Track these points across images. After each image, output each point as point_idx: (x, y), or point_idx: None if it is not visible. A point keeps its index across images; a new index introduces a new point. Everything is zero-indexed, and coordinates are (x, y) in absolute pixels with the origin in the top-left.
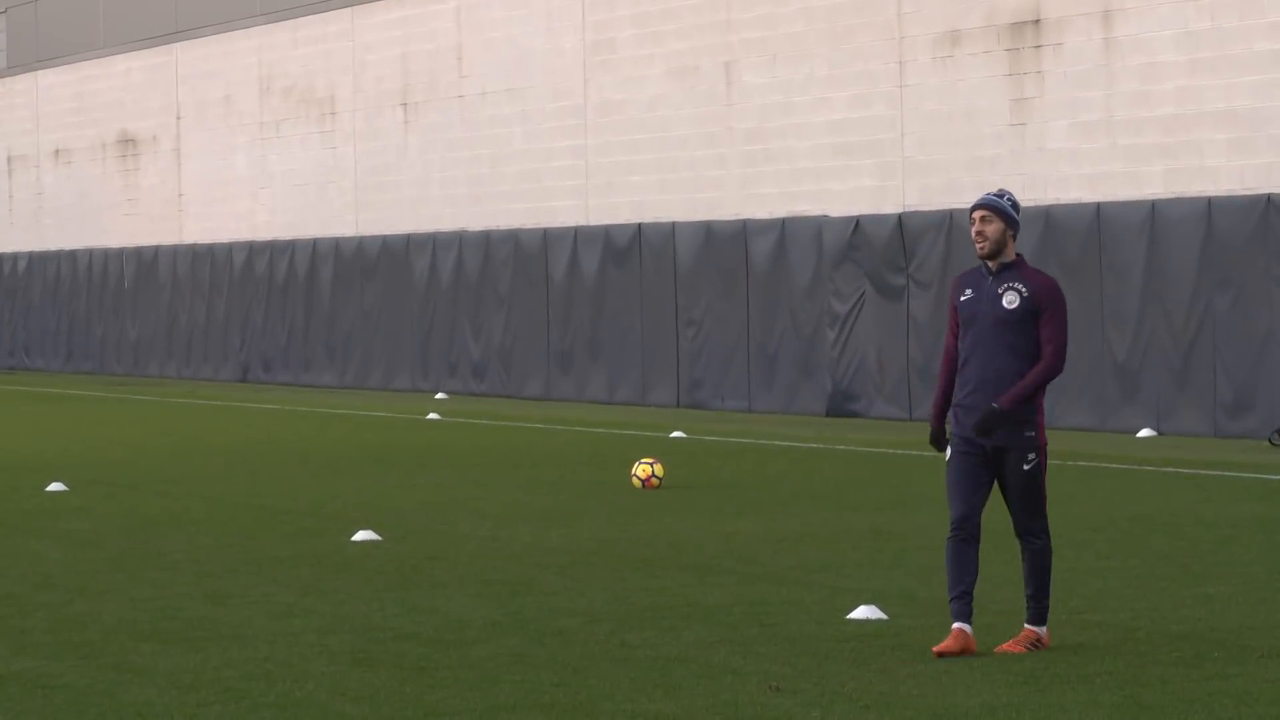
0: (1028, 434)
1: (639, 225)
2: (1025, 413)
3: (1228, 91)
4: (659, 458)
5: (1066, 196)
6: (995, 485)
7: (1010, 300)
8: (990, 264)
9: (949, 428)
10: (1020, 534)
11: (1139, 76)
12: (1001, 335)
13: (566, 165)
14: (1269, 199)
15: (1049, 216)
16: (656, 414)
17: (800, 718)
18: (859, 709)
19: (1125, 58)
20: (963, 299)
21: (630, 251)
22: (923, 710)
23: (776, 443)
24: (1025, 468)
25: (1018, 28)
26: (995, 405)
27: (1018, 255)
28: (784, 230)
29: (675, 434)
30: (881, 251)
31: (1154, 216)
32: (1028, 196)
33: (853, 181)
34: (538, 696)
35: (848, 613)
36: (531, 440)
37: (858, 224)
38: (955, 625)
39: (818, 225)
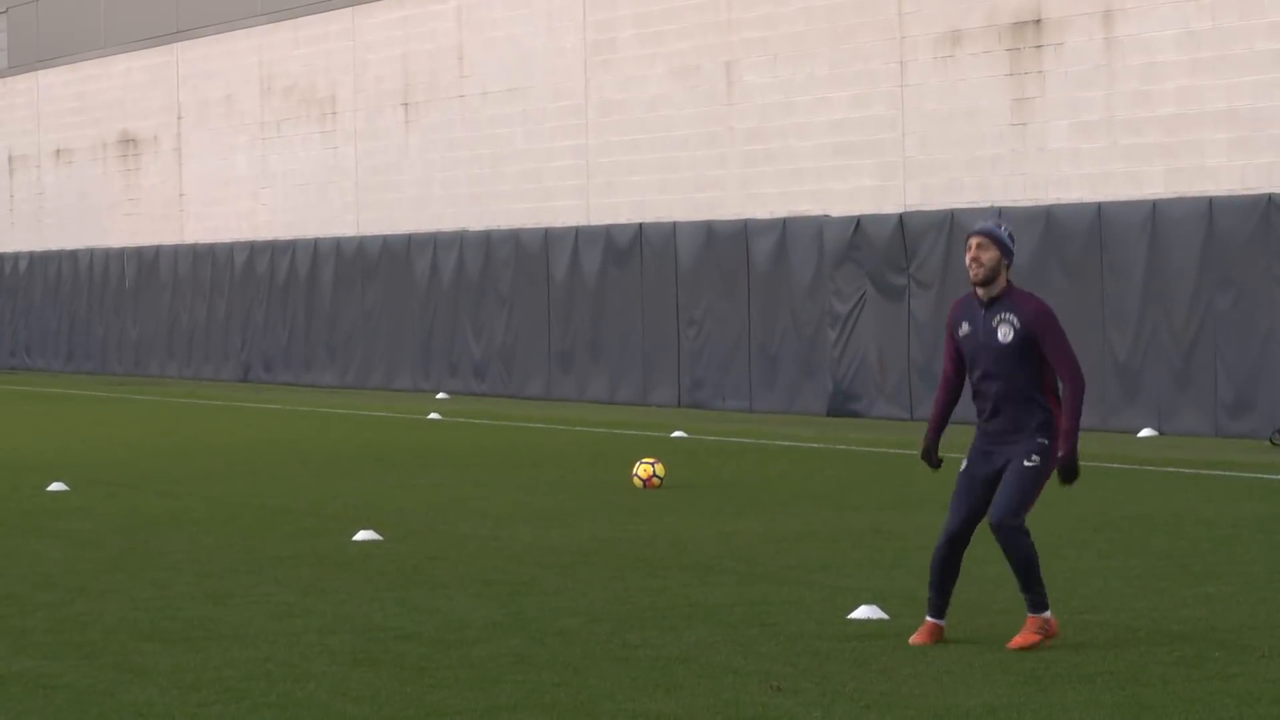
0: (1040, 440)
1: (640, 225)
2: (1038, 421)
3: (1229, 91)
4: (660, 458)
5: (1067, 196)
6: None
7: (1004, 334)
8: (980, 293)
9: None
10: (994, 524)
11: (1140, 76)
12: (1004, 364)
13: (567, 165)
14: (1270, 199)
15: (1050, 216)
16: (657, 414)
17: (801, 717)
18: (860, 709)
19: (1126, 57)
20: (962, 334)
21: (631, 251)
22: (924, 710)
23: (777, 442)
24: (1025, 464)
25: (1019, 27)
26: (1060, 454)
27: (1008, 283)
28: (785, 230)
29: (676, 434)
30: (882, 251)
31: (1155, 216)
32: (1028, 196)
33: (853, 181)
34: (539, 696)
35: (849, 612)
36: (532, 440)
37: (859, 224)
38: (929, 620)
39: (819, 225)
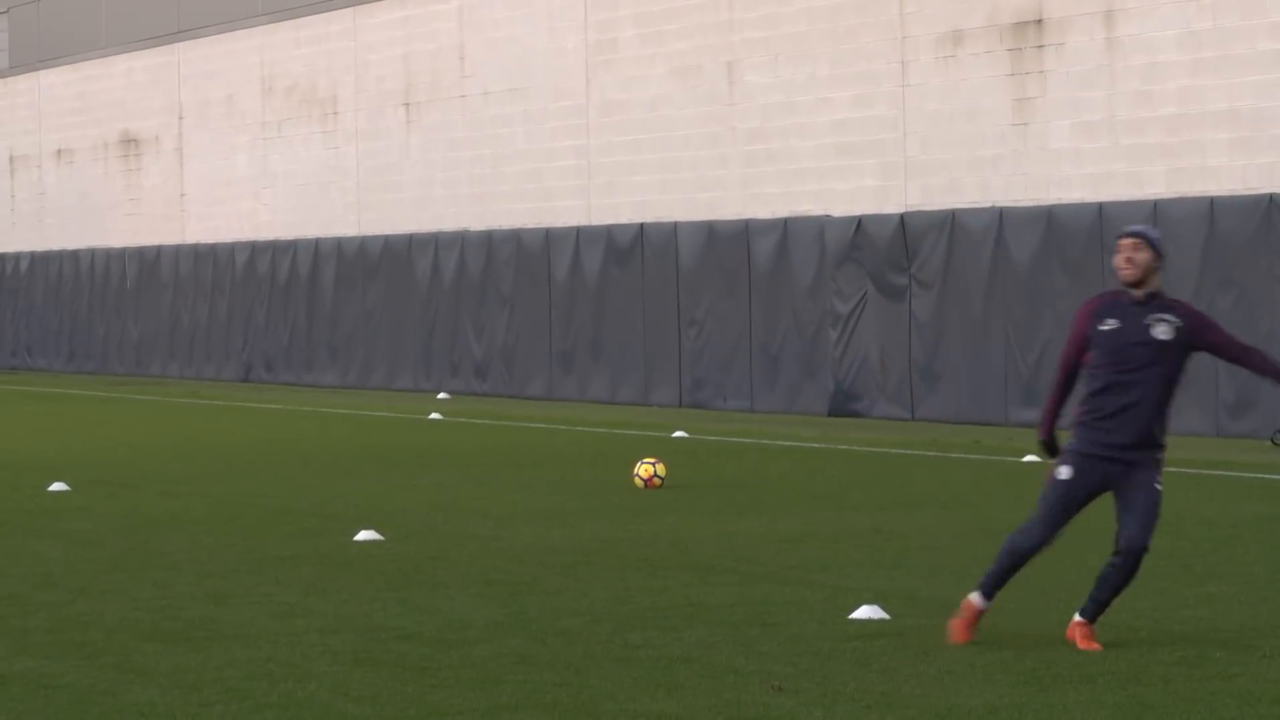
0: (1159, 457)
1: (641, 225)
2: (1159, 437)
3: (1230, 91)
4: (661, 458)
5: (1069, 196)
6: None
7: (1164, 332)
8: (1135, 292)
9: (1065, 441)
10: (1138, 550)
11: (1141, 76)
12: (1154, 364)
13: (569, 165)
14: (1271, 199)
15: (1051, 216)
16: (658, 414)
17: (802, 718)
18: (861, 709)
19: (1127, 57)
20: (1104, 328)
21: (632, 251)
22: (925, 710)
23: (778, 442)
24: (1158, 487)
25: (1020, 27)
26: None
27: (1160, 286)
28: (786, 230)
29: (677, 434)
30: (884, 251)
31: (1156, 216)
32: (1030, 196)
33: (855, 181)
34: (540, 696)
35: (850, 612)
36: (533, 440)
37: (860, 224)
38: (975, 598)
39: (820, 225)
